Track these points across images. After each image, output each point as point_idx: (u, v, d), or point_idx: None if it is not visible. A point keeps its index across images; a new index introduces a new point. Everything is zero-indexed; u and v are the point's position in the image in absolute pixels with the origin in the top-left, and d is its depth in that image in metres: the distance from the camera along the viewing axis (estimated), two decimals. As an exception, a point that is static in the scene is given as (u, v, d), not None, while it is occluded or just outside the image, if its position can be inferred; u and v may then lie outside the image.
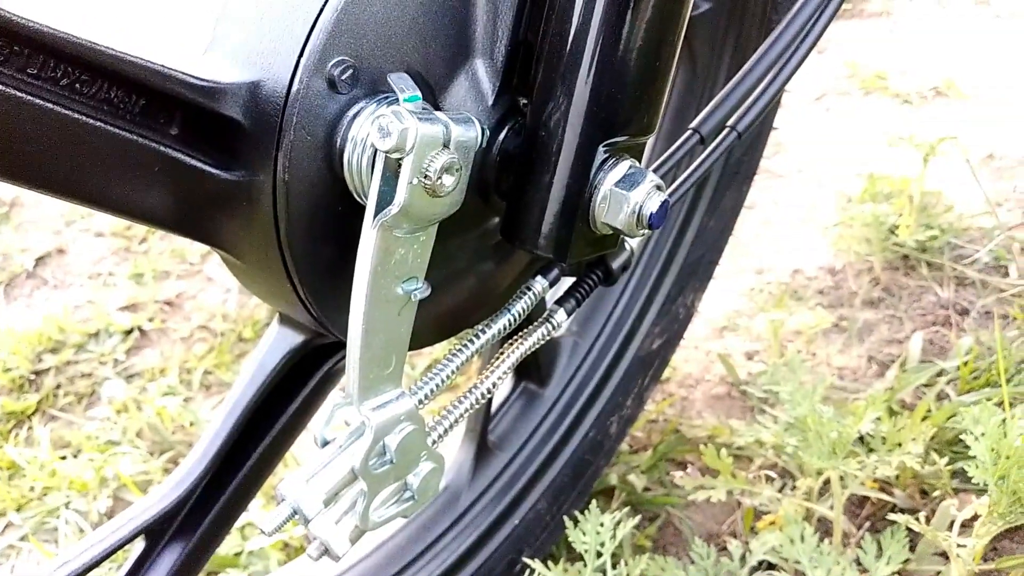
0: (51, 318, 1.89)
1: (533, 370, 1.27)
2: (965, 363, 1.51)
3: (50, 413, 1.69)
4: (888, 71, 2.69)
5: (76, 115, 0.57)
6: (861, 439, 1.35)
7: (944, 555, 1.21)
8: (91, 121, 0.58)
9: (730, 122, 0.89)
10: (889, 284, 1.83)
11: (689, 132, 0.88)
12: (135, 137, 0.60)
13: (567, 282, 0.86)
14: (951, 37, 2.88)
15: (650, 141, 1.30)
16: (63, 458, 1.56)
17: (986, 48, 2.78)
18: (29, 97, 0.54)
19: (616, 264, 0.87)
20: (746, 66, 0.90)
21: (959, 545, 1.10)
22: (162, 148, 0.62)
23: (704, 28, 1.22)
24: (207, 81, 0.61)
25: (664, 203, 0.70)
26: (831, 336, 1.71)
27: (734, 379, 1.62)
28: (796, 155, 2.36)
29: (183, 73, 0.61)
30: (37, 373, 1.78)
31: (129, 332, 1.88)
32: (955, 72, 2.63)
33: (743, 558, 1.21)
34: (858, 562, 1.15)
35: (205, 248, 2.12)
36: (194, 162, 0.63)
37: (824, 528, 1.29)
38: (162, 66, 0.60)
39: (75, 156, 0.58)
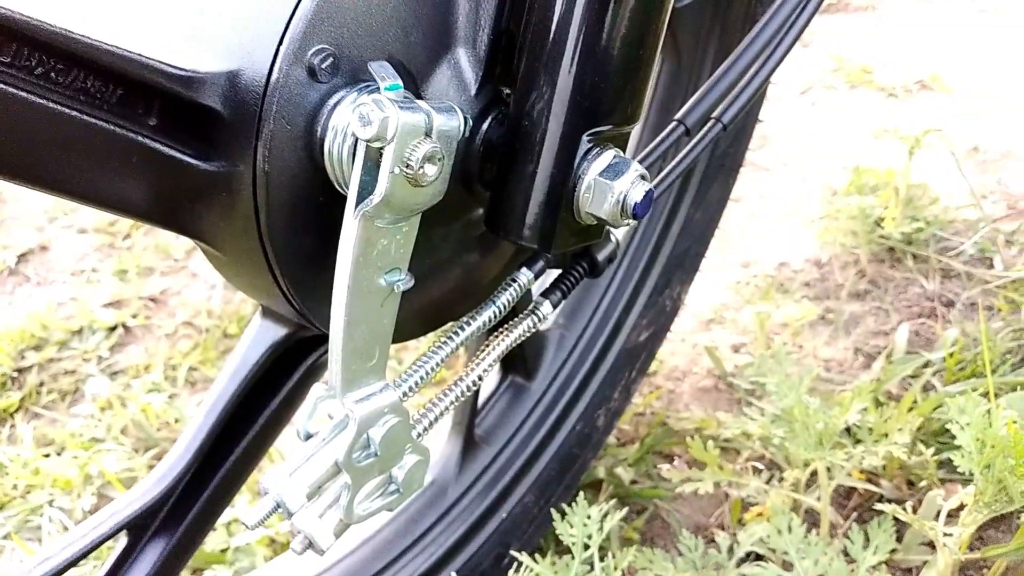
0: (34, 315, 1.87)
1: (520, 363, 1.26)
2: (951, 354, 1.52)
3: (33, 411, 1.67)
4: (873, 65, 2.70)
5: (51, 104, 0.56)
6: (848, 430, 1.35)
7: (931, 545, 1.21)
8: (67, 111, 0.57)
9: (715, 113, 0.89)
10: (875, 276, 1.83)
11: (674, 123, 0.87)
12: (112, 127, 0.59)
13: (553, 276, 0.86)
14: (936, 31, 2.89)
15: (635, 134, 1.30)
16: (46, 456, 1.55)
17: (971, 42, 2.80)
18: (2, 86, 0.53)
19: (602, 256, 0.87)
20: (731, 57, 0.90)
21: (945, 534, 1.11)
22: (140, 138, 0.61)
23: (689, 19, 1.22)
24: (185, 70, 0.61)
25: (648, 193, 0.70)
26: (817, 328, 1.72)
27: (721, 372, 1.62)
28: (782, 148, 2.36)
29: (161, 62, 0.60)
30: (20, 371, 1.76)
31: (113, 329, 1.86)
32: (940, 66, 2.64)
33: (731, 549, 1.21)
34: (845, 552, 1.16)
35: (189, 244, 2.11)
36: (173, 152, 0.62)
37: (811, 519, 1.30)
38: (139, 55, 0.59)
39: (51, 147, 0.58)
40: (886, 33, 2.94)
